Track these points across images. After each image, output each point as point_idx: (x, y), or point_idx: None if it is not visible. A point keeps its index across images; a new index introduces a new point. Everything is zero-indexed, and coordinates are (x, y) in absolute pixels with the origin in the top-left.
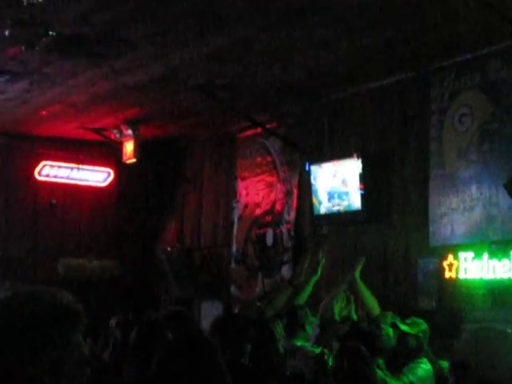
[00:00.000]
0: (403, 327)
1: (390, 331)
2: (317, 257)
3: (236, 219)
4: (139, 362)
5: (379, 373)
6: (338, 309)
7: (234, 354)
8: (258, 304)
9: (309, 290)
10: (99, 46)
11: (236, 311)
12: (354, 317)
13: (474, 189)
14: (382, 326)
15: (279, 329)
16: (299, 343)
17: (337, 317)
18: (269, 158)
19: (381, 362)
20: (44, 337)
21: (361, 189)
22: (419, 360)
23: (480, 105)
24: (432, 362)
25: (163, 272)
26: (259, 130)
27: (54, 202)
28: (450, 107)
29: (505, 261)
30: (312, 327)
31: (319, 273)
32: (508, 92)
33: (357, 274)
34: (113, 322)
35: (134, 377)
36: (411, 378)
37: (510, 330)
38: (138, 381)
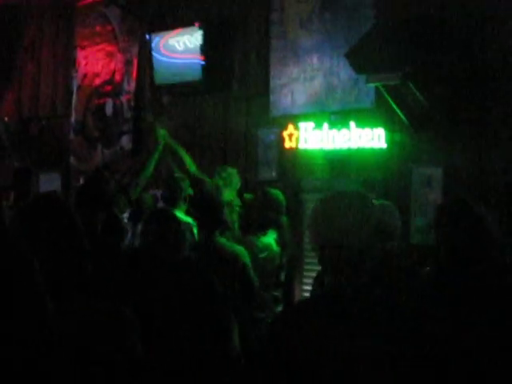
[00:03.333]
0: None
1: None
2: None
3: (75, 89)
4: None
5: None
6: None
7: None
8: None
9: (154, 161)
10: None
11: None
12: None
13: (315, 59)
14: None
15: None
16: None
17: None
18: (109, 28)
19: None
20: None
21: (201, 59)
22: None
23: None
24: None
25: (0, 143)
26: None
27: None
28: None
29: (344, 131)
30: None
31: (161, 145)
32: None
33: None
34: None
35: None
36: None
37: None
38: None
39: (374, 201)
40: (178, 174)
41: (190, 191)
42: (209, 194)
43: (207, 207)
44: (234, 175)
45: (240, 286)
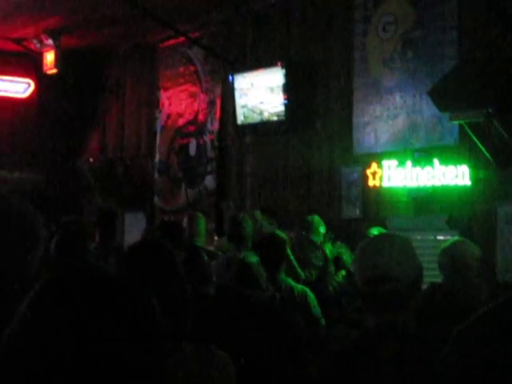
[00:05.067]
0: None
1: None
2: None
3: (159, 129)
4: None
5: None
6: None
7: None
8: None
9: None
10: None
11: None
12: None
13: (397, 97)
14: None
15: None
16: None
17: None
18: (192, 68)
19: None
20: None
21: (284, 98)
22: None
23: (403, 13)
24: None
25: (86, 184)
26: (182, 39)
27: None
28: (373, 15)
29: (428, 168)
30: None
31: None
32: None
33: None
34: None
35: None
36: None
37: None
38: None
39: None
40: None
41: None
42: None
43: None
44: (318, 222)
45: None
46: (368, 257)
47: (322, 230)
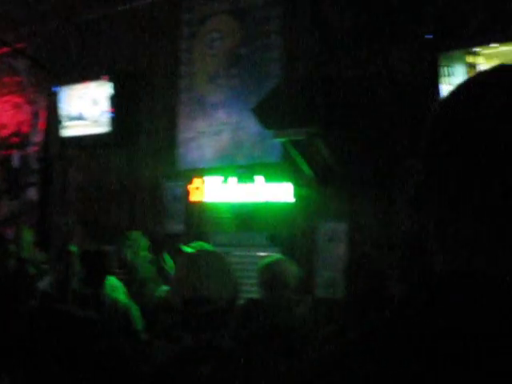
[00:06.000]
0: None
1: None
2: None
3: None
4: None
5: None
6: None
7: None
8: None
9: None
10: None
11: None
12: None
13: (222, 113)
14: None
15: None
16: None
17: None
18: (17, 79)
19: None
20: None
21: (110, 111)
22: None
23: (229, 30)
24: None
25: None
26: (6, 49)
27: None
28: (200, 31)
29: (251, 185)
30: None
31: None
32: (257, 17)
33: None
34: None
35: None
36: None
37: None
38: None
39: (275, 254)
40: None
41: None
42: None
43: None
44: (140, 238)
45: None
46: (186, 278)
47: (144, 245)
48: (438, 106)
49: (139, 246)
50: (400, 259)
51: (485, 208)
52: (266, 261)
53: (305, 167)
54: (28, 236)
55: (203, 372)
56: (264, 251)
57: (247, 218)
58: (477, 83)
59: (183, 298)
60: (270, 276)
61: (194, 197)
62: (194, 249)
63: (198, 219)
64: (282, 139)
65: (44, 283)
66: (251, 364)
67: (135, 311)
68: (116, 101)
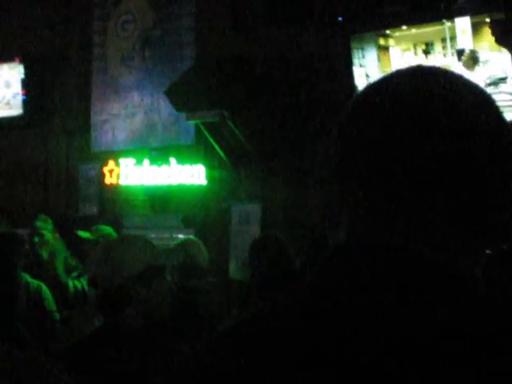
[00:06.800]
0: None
1: None
2: None
3: None
4: None
5: None
6: None
7: None
8: None
9: None
10: None
11: None
12: None
13: (135, 96)
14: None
15: None
16: None
17: None
18: None
19: None
20: None
21: (23, 94)
22: None
23: (142, 12)
24: None
25: None
26: None
27: None
28: (112, 13)
29: (164, 167)
30: None
31: None
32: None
33: None
34: None
35: None
36: None
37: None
38: None
39: (180, 237)
40: None
41: None
42: None
43: None
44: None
45: None
46: (104, 265)
47: (50, 227)
48: (352, 104)
49: (46, 229)
50: (310, 239)
51: (395, 187)
52: (177, 242)
53: (218, 149)
54: None
55: (107, 354)
56: (178, 233)
57: (161, 200)
58: (393, 84)
59: (103, 285)
60: (182, 258)
61: (108, 179)
62: (94, 233)
63: (112, 201)
64: (195, 121)
65: None
66: (152, 346)
67: (46, 291)
68: (28, 83)
